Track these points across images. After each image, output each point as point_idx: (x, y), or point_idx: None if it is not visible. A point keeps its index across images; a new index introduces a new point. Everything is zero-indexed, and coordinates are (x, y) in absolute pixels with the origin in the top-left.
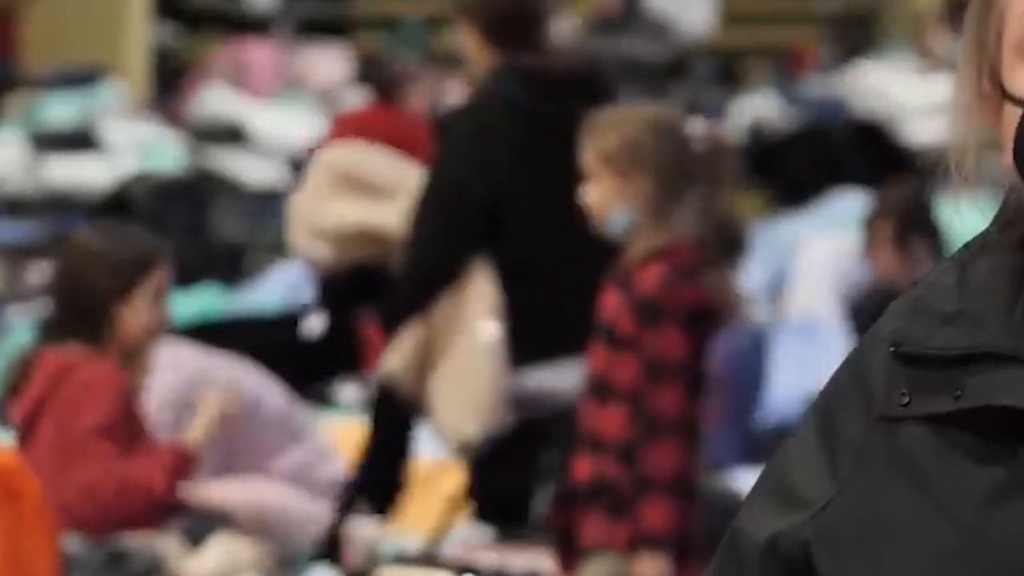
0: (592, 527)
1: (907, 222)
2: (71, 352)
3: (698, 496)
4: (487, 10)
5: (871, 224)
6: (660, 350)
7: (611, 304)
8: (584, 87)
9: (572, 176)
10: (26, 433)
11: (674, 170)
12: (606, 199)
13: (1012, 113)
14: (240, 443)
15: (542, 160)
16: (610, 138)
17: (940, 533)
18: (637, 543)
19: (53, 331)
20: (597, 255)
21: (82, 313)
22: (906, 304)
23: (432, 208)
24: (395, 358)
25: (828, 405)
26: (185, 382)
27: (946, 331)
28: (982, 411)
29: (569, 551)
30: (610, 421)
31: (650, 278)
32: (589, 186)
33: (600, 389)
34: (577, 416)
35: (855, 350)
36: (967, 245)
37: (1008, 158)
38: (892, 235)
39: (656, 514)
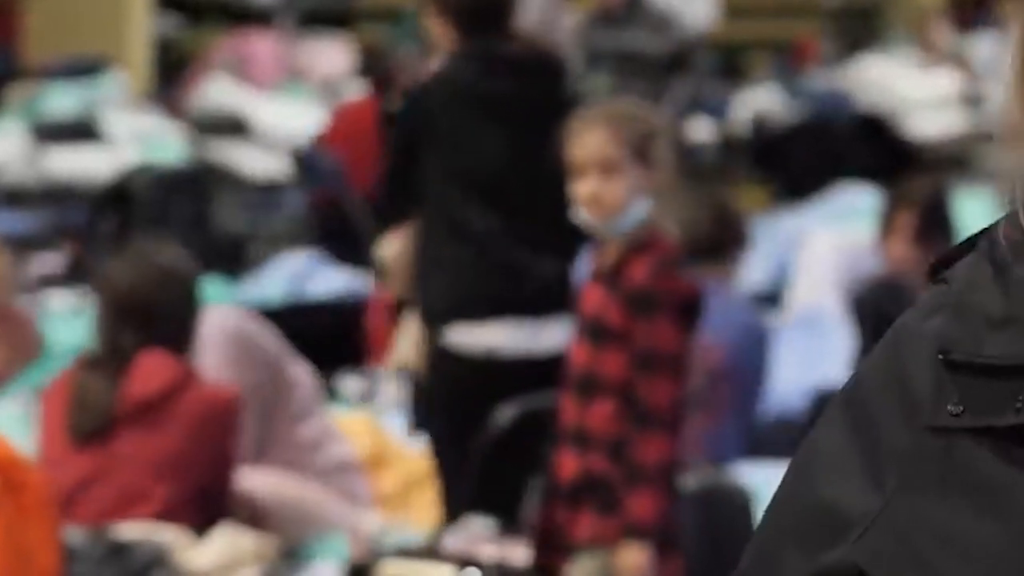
0: (583, 524)
1: (930, 214)
2: None
3: (677, 491)
4: (447, 2)
5: (890, 214)
6: (654, 342)
7: (594, 299)
8: (537, 67)
9: (522, 150)
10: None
11: (669, 164)
12: (627, 190)
13: None
14: (278, 422)
15: (489, 135)
16: (637, 127)
17: (1008, 553)
18: (624, 533)
19: None
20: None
21: None
22: (943, 301)
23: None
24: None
25: (862, 408)
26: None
27: (1000, 337)
28: None
29: (552, 548)
30: (598, 416)
31: (640, 270)
32: (600, 179)
33: (585, 385)
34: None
35: (887, 347)
36: (986, 235)
37: None
38: (913, 227)
39: (644, 505)
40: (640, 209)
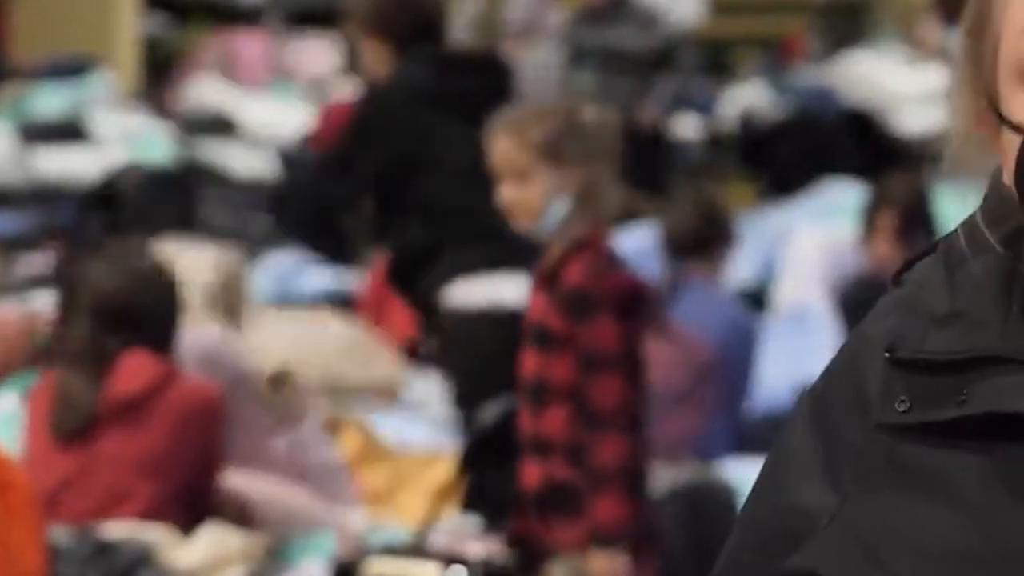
0: (553, 532)
1: (912, 213)
2: None
3: (647, 490)
4: (388, 26)
5: (872, 213)
6: (594, 342)
7: (537, 305)
8: (485, 66)
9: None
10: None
11: (597, 158)
12: (543, 193)
13: (1011, 139)
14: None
15: (445, 132)
16: (542, 129)
17: (960, 542)
18: (592, 540)
19: None
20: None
21: None
22: (897, 303)
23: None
24: None
25: (822, 406)
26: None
27: (942, 334)
28: (987, 417)
29: (531, 555)
30: (552, 423)
31: (575, 270)
32: (515, 185)
33: (536, 393)
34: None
35: (846, 349)
36: (947, 238)
37: (1008, 179)
38: (895, 226)
39: (608, 509)
40: (559, 209)
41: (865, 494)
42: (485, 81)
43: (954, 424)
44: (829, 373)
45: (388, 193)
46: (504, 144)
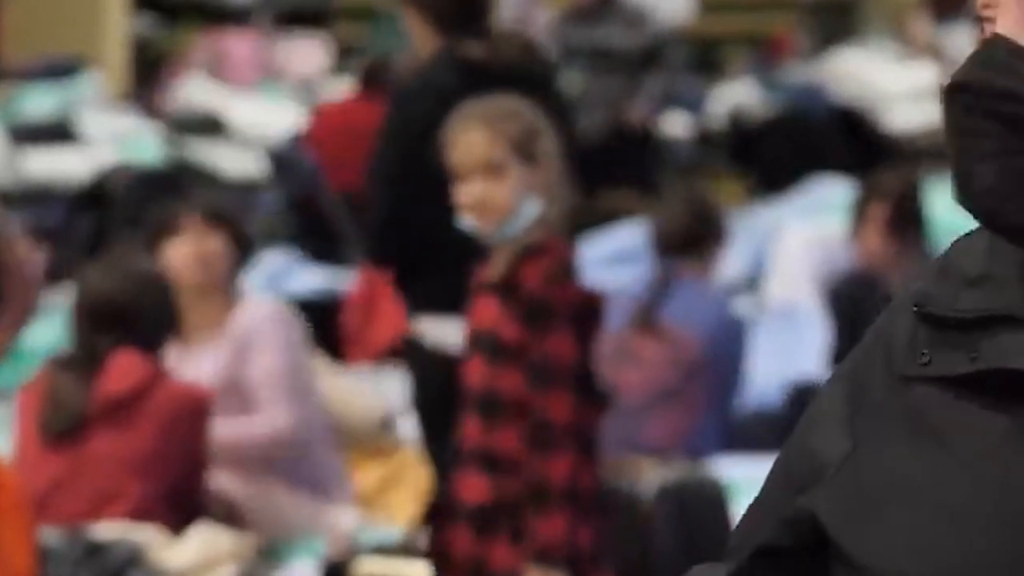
0: (497, 552)
1: (902, 208)
2: None
3: (599, 508)
4: None
5: (862, 207)
6: (549, 354)
7: (488, 313)
8: (525, 80)
9: None
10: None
11: (557, 160)
12: (515, 192)
13: None
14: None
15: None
16: (517, 125)
17: (959, 490)
18: (532, 559)
19: None
20: None
21: None
22: (936, 266)
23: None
24: None
25: (854, 368)
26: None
27: (970, 293)
28: (997, 374)
29: (449, 570)
30: (507, 440)
31: (535, 277)
32: (486, 181)
33: (486, 405)
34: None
35: (887, 308)
36: None
37: None
38: (886, 219)
39: (551, 528)
40: (531, 210)
41: (876, 443)
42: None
43: (967, 379)
44: (870, 329)
45: (395, 200)
46: (477, 137)
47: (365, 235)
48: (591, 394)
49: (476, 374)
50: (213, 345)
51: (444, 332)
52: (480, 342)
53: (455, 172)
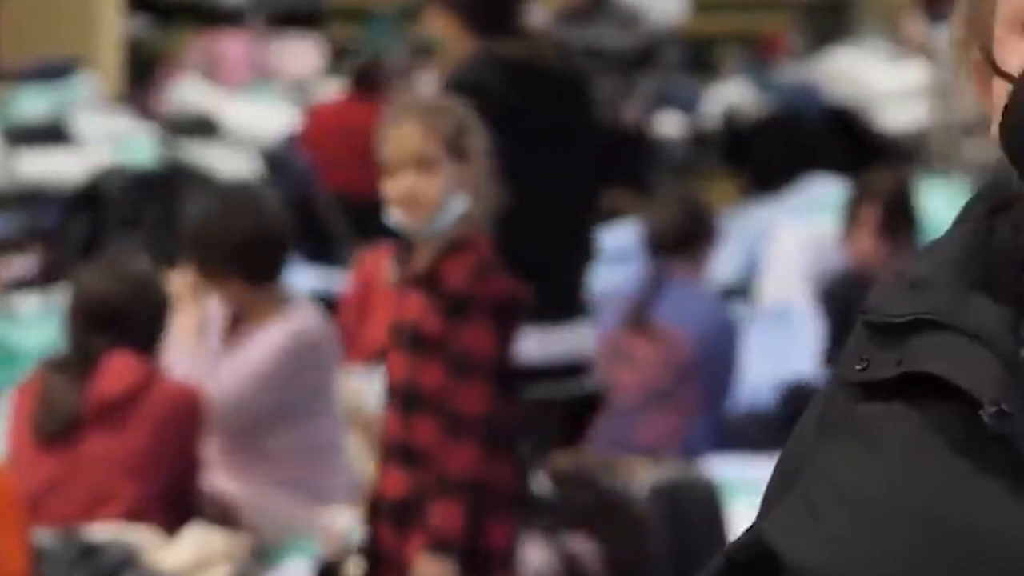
0: (413, 544)
1: (895, 208)
2: None
3: (514, 508)
4: None
5: (854, 209)
6: (467, 347)
7: (413, 306)
8: (561, 80)
9: (556, 176)
10: None
11: (485, 158)
12: (445, 187)
13: (1001, 89)
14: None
15: (519, 159)
16: (450, 121)
17: (879, 488)
18: (425, 546)
19: None
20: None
21: None
22: (897, 272)
23: None
24: None
25: (832, 373)
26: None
27: (905, 297)
28: (919, 377)
29: (382, 567)
30: (424, 432)
31: (458, 271)
32: (417, 176)
33: (406, 398)
34: (385, 425)
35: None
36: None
37: (993, 130)
38: (878, 220)
39: (445, 516)
40: (458, 206)
41: (822, 451)
42: (564, 101)
43: (893, 383)
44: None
45: None
46: (411, 132)
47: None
48: (510, 390)
49: (397, 367)
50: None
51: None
52: (402, 335)
53: (386, 165)
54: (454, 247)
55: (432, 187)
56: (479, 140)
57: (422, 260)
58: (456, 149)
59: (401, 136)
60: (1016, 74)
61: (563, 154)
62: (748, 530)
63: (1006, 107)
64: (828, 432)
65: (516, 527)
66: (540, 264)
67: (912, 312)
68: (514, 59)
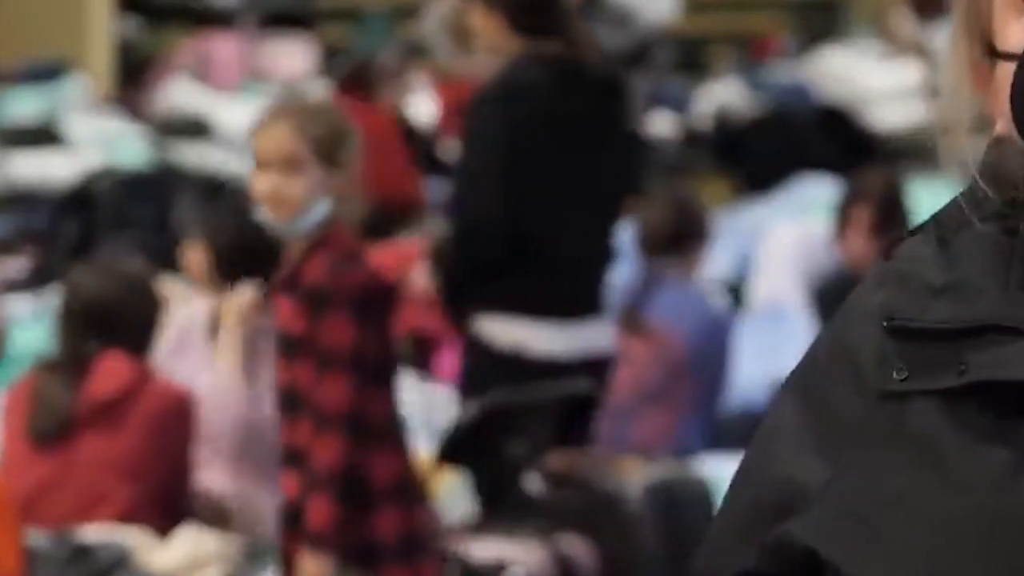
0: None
1: (887, 208)
2: None
3: (400, 498)
4: None
5: (845, 210)
6: (327, 341)
7: (283, 311)
8: (604, 81)
9: (593, 177)
10: None
11: (357, 166)
12: (309, 190)
13: (1005, 72)
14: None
15: (560, 159)
16: (322, 125)
17: (954, 510)
18: (307, 544)
19: None
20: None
21: None
22: (886, 276)
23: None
24: None
25: (813, 383)
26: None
27: (940, 304)
28: (987, 386)
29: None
30: (301, 432)
31: (315, 268)
32: (281, 176)
33: (288, 401)
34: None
35: (832, 327)
36: (935, 218)
37: (1005, 115)
38: (870, 220)
39: (317, 512)
40: (321, 210)
41: (859, 463)
42: (606, 105)
43: (953, 392)
44: (815, 349)
45: (503, 198)
46: (282, 131)
47: (453, 236)
48: (379, 382)
49: (281, 375)
50: None
51: (544, 336)
52: (280, 343)
53: (256, 161)
54: (314, 245)
55: (295, 188)
56: (353, 148)
57: (291, 262)
58: (326, 154)
59: (271, 135)
60: (1018, 52)
61: (599, 155)
62: (748, 541)
63: (1012, 84)
64: (862, 446)
65: (410, 519)
66: (570, 261)
67: (969, 319)
68: (557, 59)
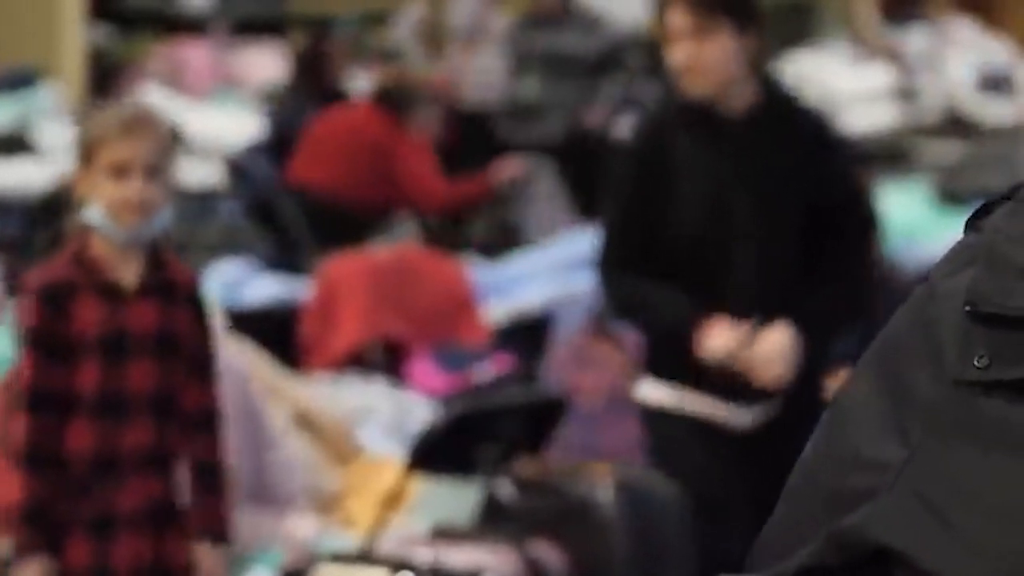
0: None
1: None
2: None
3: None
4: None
5: None
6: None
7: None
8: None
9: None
10: None
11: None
12: (164, 196)
13: None
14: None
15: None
16: (169, 133)
17: None
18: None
19: None
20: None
21: None
22: (975, 253)
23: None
24: None
25: (891, 363)
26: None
27: None
28: None
29: None
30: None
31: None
32: (146, 182)
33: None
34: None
35: (918, 301)
36: (1017, 191)
37: None
38: None
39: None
40: (165, 217)
41: (935, 450)
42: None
43: None
44: (898, 324)
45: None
46: (151, 140)
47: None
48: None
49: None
50: None
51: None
52: None
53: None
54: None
55: (156, 194)
56: (174, 158)
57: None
58: (165, 164)
59: (145, 142)
60: None
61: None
62: (813, 529)
63: None
64: (936, 431)
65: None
66: None
67: None
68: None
